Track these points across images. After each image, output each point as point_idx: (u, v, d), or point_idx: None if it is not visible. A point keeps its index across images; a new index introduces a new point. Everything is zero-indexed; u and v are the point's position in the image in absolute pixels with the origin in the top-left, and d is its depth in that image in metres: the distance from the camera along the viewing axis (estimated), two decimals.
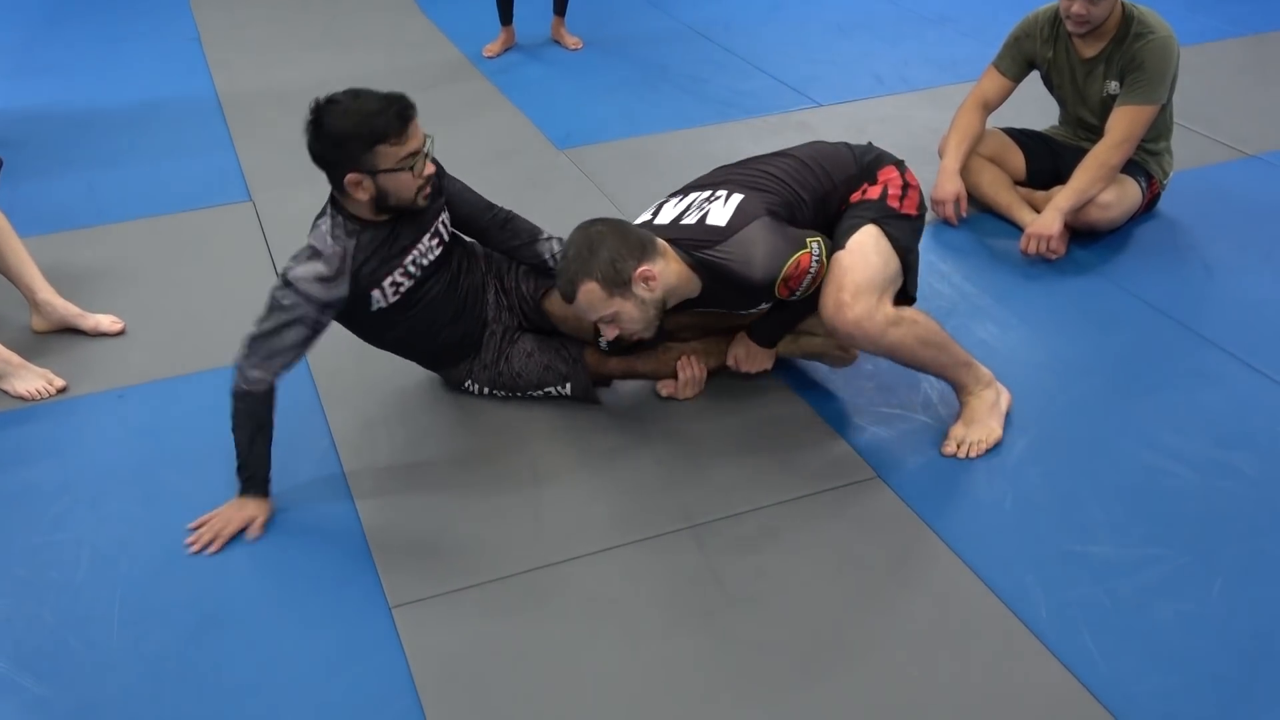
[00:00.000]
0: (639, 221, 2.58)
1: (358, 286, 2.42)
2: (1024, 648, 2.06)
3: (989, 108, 3.52)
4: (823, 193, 2.61)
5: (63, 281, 3.19)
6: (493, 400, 2.74)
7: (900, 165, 2.71)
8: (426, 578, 2.27)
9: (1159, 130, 3.35)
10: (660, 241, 2.43)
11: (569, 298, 2.39)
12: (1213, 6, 5.41)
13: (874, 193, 2.63)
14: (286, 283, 2.34)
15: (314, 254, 2.37)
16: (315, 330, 2.38)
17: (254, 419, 2.36)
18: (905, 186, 2.66)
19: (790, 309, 2.59)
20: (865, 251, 2.51)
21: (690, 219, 2.50)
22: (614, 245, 2.35)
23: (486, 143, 4.26)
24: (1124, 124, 3.22)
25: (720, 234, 2.43)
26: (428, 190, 2.42)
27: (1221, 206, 3.59)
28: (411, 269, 2.49)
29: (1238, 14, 5.33)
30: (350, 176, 2.31)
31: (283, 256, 3.51)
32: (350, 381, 2.87)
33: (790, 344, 2.75)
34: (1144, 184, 3.39)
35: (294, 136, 4.38)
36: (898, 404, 2.72)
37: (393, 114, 2.30)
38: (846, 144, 2.75)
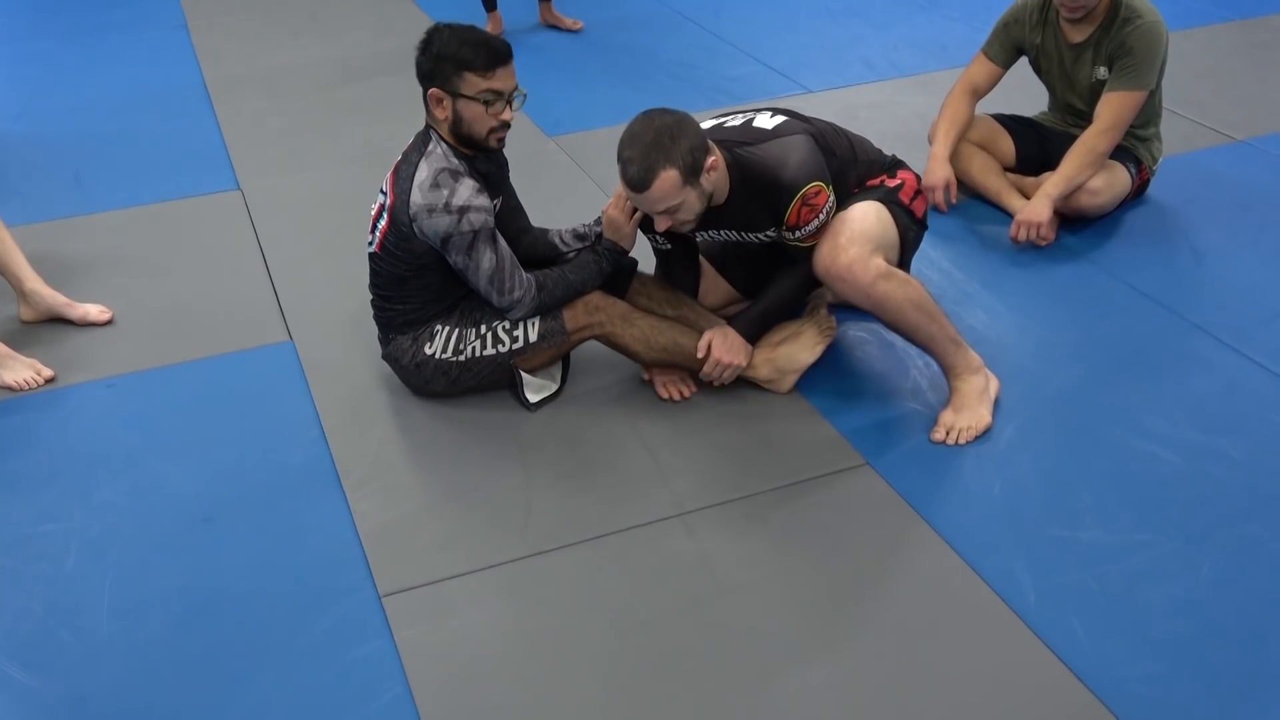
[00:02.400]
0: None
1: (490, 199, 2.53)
2: (1012, 633, 2.07)
3: (978, 94, 3.52)
4: (846, 161, 2.64)
5: (50, 271, 3.17)
6: (479, 389, 2.72)
7: (918, 176, 2.77)
8: (416, 566, 2.27)
9: (1148, 116, 3.36)
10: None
11: (642, 185, 2.35)
12: None
13: (890, 183, 2.69)
14: (463, 210, 2.43)
15: (455, 174, 2.46)
16: (499, 235, 2.52)
17: (567, 286, 2.59)
18: (918, 191, 2.72)
19: (776, 291, 2.63)
20: (866, 211, 2.58)
21: (735, 122, 2.57)
22: (692, 135, 2.36)
23: None
24: (1112, 109, 3.22)
25: (764, 135, 2.51)
26: (501, 135, 2.52)
27: (1210, 192, 3.59)
28: (497, 210, 2.60)
29: None
30: (434, 91, 2.46)
31: (271, 245, 3.53)
32: (339, 370, 2.86)
33: (772, 352, 2.70)
34: (1133, 170, 3.39)
35: (282, 124, 4.39)
36: (887, 391, 2.73)
37: (486, 50, 2.44)
38: (870, 142, 2.80)
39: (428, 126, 2.56)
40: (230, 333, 3.04)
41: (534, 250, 2.78)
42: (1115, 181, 3.33)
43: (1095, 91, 3.31)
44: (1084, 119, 3.35)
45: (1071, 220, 3.35)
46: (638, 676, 2.02)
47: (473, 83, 2.44)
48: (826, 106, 4.28)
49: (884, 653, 2.05)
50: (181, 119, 4.46)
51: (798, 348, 2.69)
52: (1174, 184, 3.58)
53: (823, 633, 2.10)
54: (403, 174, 2.53)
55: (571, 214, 3.50)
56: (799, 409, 2.67)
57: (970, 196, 3.56)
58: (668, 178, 2.34)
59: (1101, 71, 3.28)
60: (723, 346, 2.61)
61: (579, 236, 2.81)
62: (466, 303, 2.66)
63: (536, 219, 2.81)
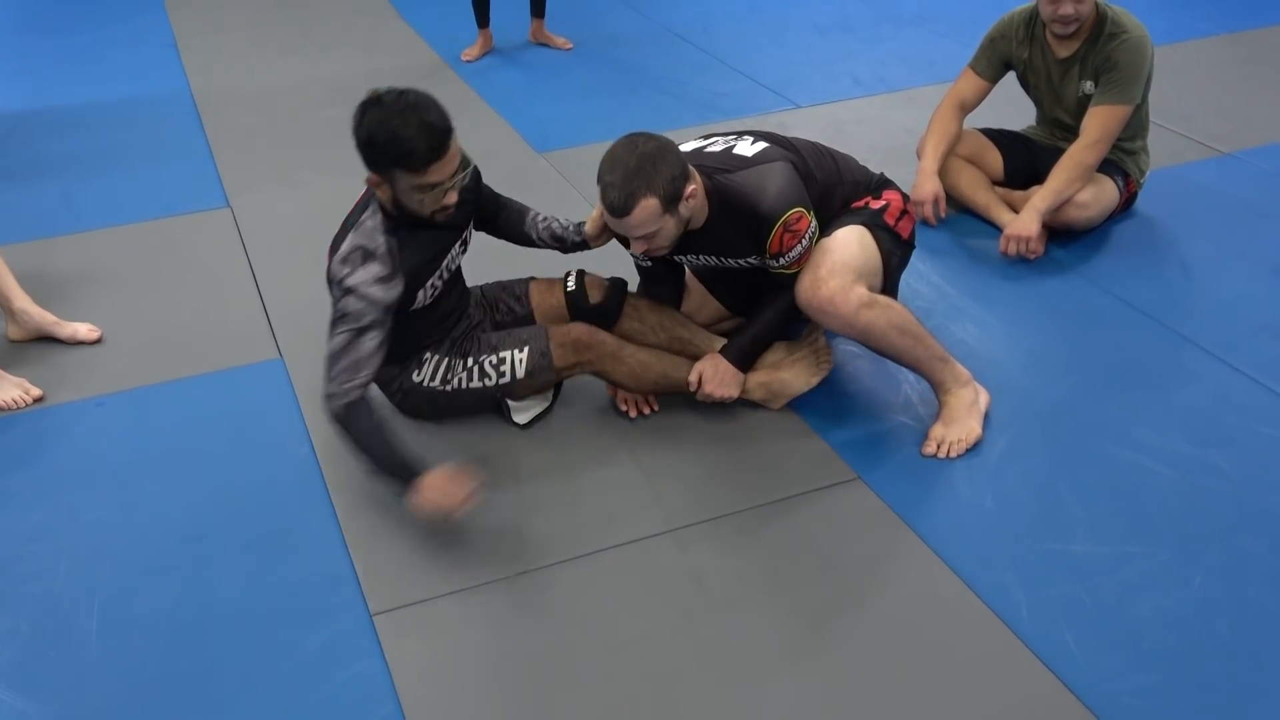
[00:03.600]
0: None
1: (409, 285, 2.40)
2: (1004, 646, 2.07)
3: (966, 108, 3.53)
4: (830, 184, 2.65)
5: (39, 289, 3.16)
6: (467, 415, 2.71)
7: (904, 195, 2.77)
8: (407, 584, 2.26)
9: (1135, 129, 3.37)
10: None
11: (622, 211, 2.33)
12: (1187, 5, 5.45)
13: (875, 205, 2.69)
14: (348, 290, 2.31)
15: (367, 255, 2.34)
16: (384, 330, 2.35)
17: (373, 428, 2.31)
18: (904, 211, 2.72)
19: (766, 317, 2.61)
20: (847, 239, 2.57)
21: (715, 149, 2.56)
22: (673, 162, 2.35)
23: (465, 146, 4.22)
24: (1099, 124, 3.23)
25: (744, 162, 2.49)
26: (448, 213, 2.39)
27: (1198, 205, 3.61)
28: (444, 273, 2.51)
29: (1212, 13, 5.36)
30: (371, 176, 2.33)
31: (261, 262, 3.53)
32: None
33: (767, 376, 2.68)
34: (1121, 183, 3.40)
35: (272, 142, 4.40)
36: (878, 405, 2.73)
37: (423, 147, 2.24)
38: (856, 160, 2.80)
39: (369, 193, 2.43)
40: (220, 351, 3.03)
41: (507, 226, 2.77)
42: (1103, 195, 3.35)
43: (1082, 106, 3.33)
44: (1071, 133, 3.36)
45: (1060, 234, 3.37)
46: (630, 693, 2.01)
47: (407, 180, 2.28)
48: (815, 121, 4.30)
49: (877, 667, 2.05)
50: (171, 136, 4.46)
51: (791, 376, 2.68)
52: (1162, 197, 3.59)
53: (815, 648, 2.09)
54: (337, 239, 2.45)
55: None
56: (790, 424, 2.67)
57: (959, 211, 3.57)
58: (647, 205, 2.33)
59: (1088, 86, 3.30)
60: (714, 380, 2.60)
61: (555, 237, 2.74)
62: (459, 334, 2.65)
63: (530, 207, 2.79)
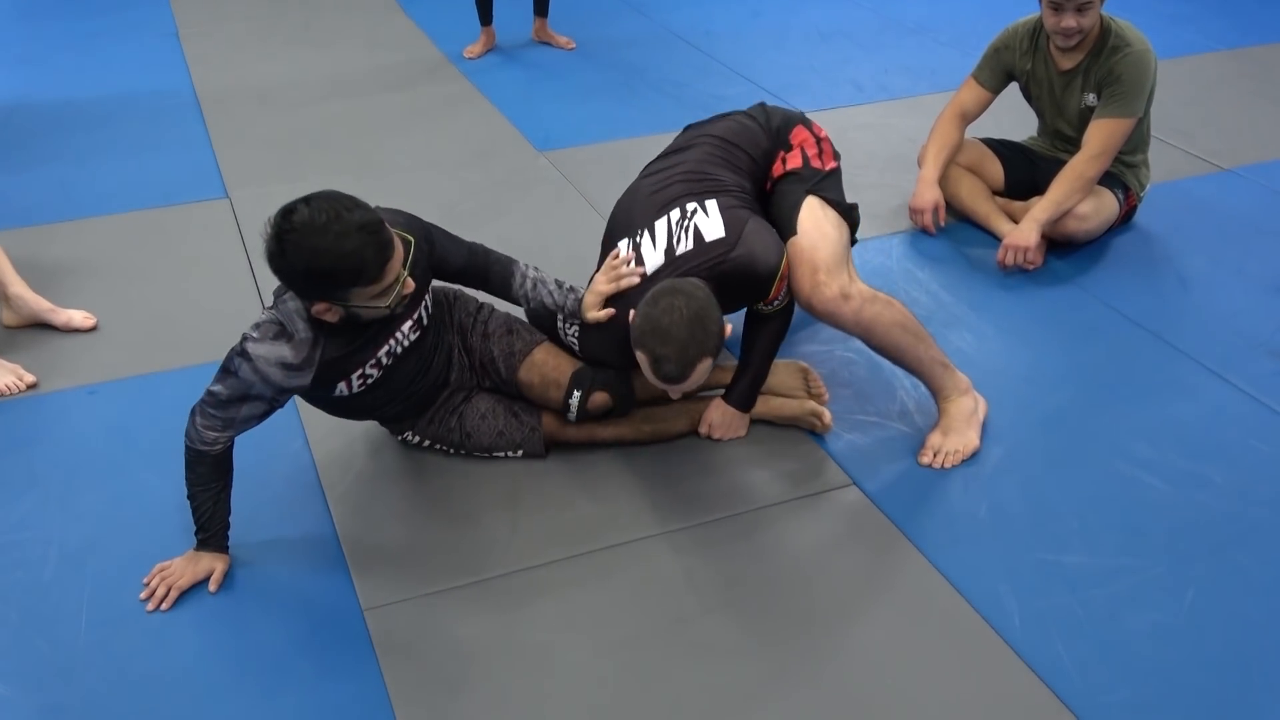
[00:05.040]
0: (634, 266, 2.47)
1: (322, 378, 2.19)
2: (996, 656, 2.07)
3: (968, 118, 3.54)
4: (751, 172, 2.64)
5: (35, 276, 3.15)
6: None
7: (805, 120, 2.74)
8: (399, 581, 2.25)
9: (1136, 143, 3.38)
10: None
11: (680, 379, 2.25)
12: (1190, 20, 5.46)
13: (794, 160, 2.66)
14: (245, 354, 2.11)
15: (281, 333, 2.13)
16: (272, 407, 2.20)
17: (217, 479, 2.21)
18: (819, 141, 2.69)
19: (760, 355, 2.57)
20: (820, 227, 2.55)
21: (685, 246, 2.44)
22: (715, 315, 2.27)
23: (465, 143, 4.24)
24: (1101, 136, 3.24)
25: (728, 243, 2.42)
26: (405, 300, 2.19)
27: (1197, 219, 3.61)
28: (385, 360, 2.29)
29: (1214, 28, 5.37)
30: (318, 306, 2.09)
31: (259, 254, 3.49)
32: None
33: (764, 407, 2.65)
34: (1121, 196, 3.41)
35: (272, 134, 4.38)
36: (874, 412, 2.72)
37: (371, 254, 2.02)
38: (747, 114, 2.76)
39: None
40: (215, 341, 2.98)
41: (494, 279, 2.51)
42: (1103, 207, 3.35)
43: (1084, 118, 3.33)
44: (1073, 145, 3.37)
45: (1059, 245, 3.37)
46: (620, 694, 2.01)
47: (364, 293, 2.07)
48: None
49: (868, 675, 2.04)
50: (171, 126, 4.45)
51: (790, 411, 2.65)
52: (1161, 211, 3.60)
53: (807, 654, 2.09)
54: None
55: (560, 227, 3.51)
56: (786, 430, 2.67)
57: (958, 220, 3.57)
58: (703, 367, 2.27)
59: (1090, 98, 3.30)
60: (722, 427, 2.60)
61: (548, 308, 2.52)
62: (436, 410, 2.52)
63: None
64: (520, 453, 2.54)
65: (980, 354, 2.94)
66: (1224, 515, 2.40)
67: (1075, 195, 3.26)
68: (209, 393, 2.14)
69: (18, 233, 3.52)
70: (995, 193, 3.56)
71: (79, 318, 3.07)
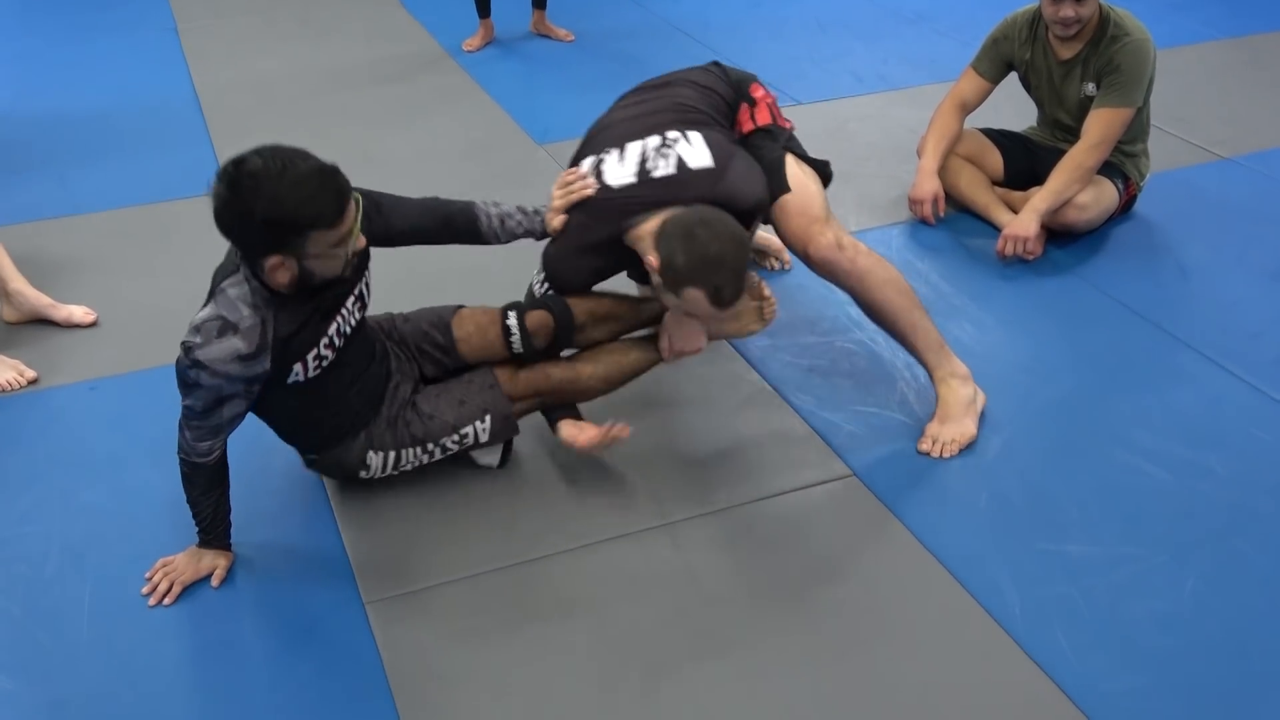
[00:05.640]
0: (588, 178, 2.46)
1: (280, 361, 2.10)
2: (997, 645, 2.07)
3: (967, 108, 3.53)
4: (726, 117, 2.67)
5: (34, 272, 3.15)
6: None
7: (756, 79, 2.78)
8: (401, 574, 2.25)
9: (1135, 132, 3.37)
10: None
11: (736, 299, 2.28)
12: (1190, 9, 5.45)
13: (764, 116, 2.69)
14: (198, 364, 2.00)
15: (226, 328, 2.02)
16: (250, 398, 2.13)
17: (216, 486, 2.18)
18: (774, 100, 2.76)
19: None
20: (806, 186, 2.61)
21: (664, 169, 2.41)
22: (742, 230, 2.33)
23: (464, 136, 4.24)
24: (1100, 126, 3.23)
25: (715, 173, 2.43)
26: (354, 258, 2.14)
27: (1197, 209, 3.61)
28: (335, 339, 2.20)
29: (1214, 17, 5.36)
30: (272, 260, 1.99)
31: None
32: None
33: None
34: (1121, 186, 3.41)
35: (270, 128, 4.37)
36: (874, 402, 2.73)
37: (330, 195, 1.99)
38: (704, 69, 2.77)
39: (236, 262, 2.11)
40: None
41: (460, 226, 2.45)
42: (1103, 197, 3.35)
43: (1084, 108, 3.32)
44: (1072, 135, 3.36)
45: (1059, 235, 3.37)
46: (622, 686, 2.01)
47: (322, 240, 2.00)
48: (815, 118, 4.29)
49: (869, 664, 2.05)
50: (169, 121, 4.45)
51: (745, 322, 2.56)
52: (1161, 200, 3.60)
53: (807, 643, 2.09)
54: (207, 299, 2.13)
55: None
56: (786, 420, 2.67)
57: (958, 210, 3.57)
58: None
59: (1090, 88, 3.30)
60: (681, 339, 2.47)
61: (523, 234, 2.50)
62: (390, 409, 2.37)
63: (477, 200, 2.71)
64: (487, 420, 2.38)
65: (980, 344, 2.94)
66: (1224, 504, 2.40)
67: (1075, 185, 3.25)
68: (185, 408, 2.08)
69: (17, 228, 3.52)
70: (995, 183, 3.56)
71: (79, 313, 3.07)
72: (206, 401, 2.05)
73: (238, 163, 1.96)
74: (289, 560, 2.30)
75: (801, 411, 2.69)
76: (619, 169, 2.45)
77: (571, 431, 2.43)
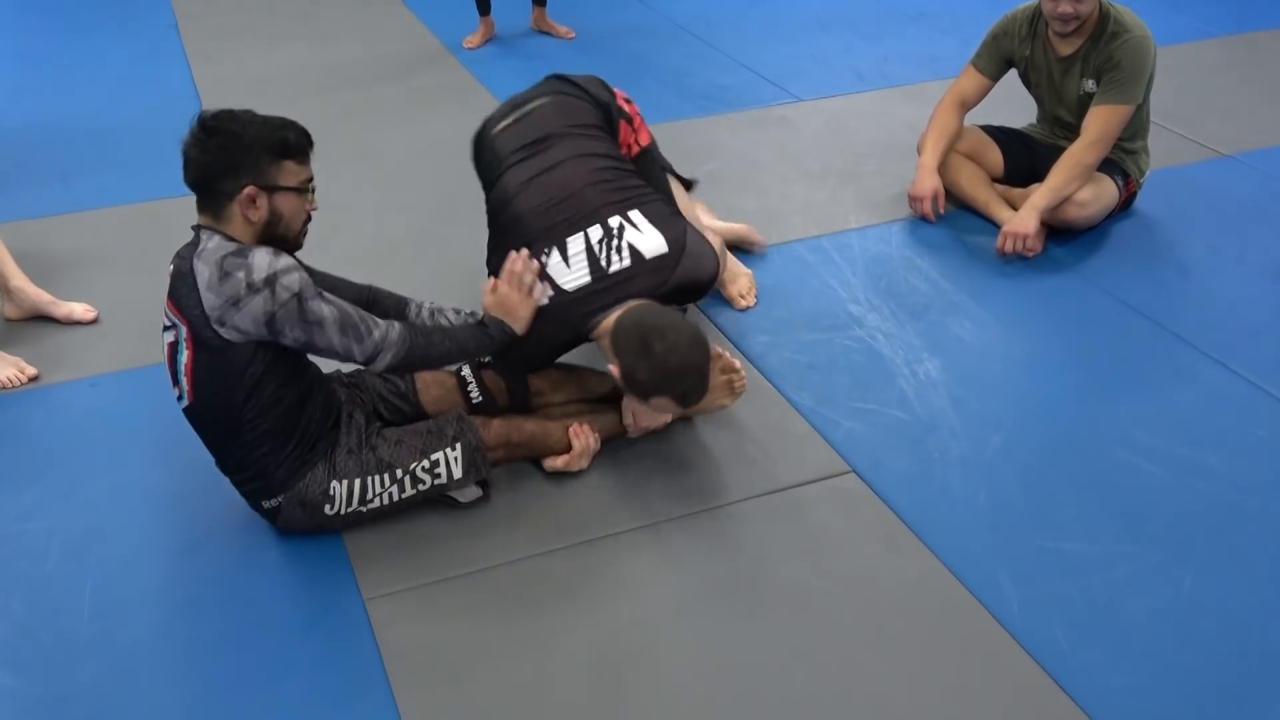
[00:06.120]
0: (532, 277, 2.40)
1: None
2: (995, 642, 2.08)
3: (967, 105, 3.53)
4: (613, 144, 2.66)
5: (35, 269, 3.16)
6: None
7: (609, 85, 2.81)
8: (400, 570, 2.26)
9: (1135, 129, 3.37)
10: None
11: (702, 395, 2.34)
12: (1189, 6, 5.45)
13: (645, 135, 2.75)
14: (269, 281, 2.03)
15: (238, 253, 2.06)
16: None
17: (434, 340, 2.25)
18: (633, 102, 2.80)
19: None
20: (695, 213, 2.76)
21: (620, 263, 2.39)
22: (695, 329, 2.33)
23: (465, 134, 4.21)
24: (1100, 123, 3.23)
25: (672, 257, 2.43)
26: (307, 229, 2.22)
27: (1197, 206, 3.61)
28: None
29: (1214, 14, 5.36)
30: (248, 190, 2.07)
31: None
32: None
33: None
34: (1121, 183, 3.41)
35: None
36: (873, 399, 2.73)
37: (300, 131, 2.15)
38: (557, 93, 2.73)
39: (198, 230, 2.14)
40: None
41: (376, 301, 2.52)
42: (1103, 194, 3.35)
43: (1083, 104, 3.33)
44: (1072, 131, 3.36)
45: (1059, 232, 3.37)
46: (620, 682, 2.02)
47: (294, 172, 2.13)
48: (816, 115, 4.30)
49: (868, 660, 2.05)
50: (170, 118, 4.36)
51: (715, 398, 2.55)
52: (1161, 197, 3.60)
53: (805, 640, 2.10)
54: (183, 293, 2.10)
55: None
56: (785, 417, 2.67)
57: (958, 207, 3.57)
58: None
59: (1089, 85, 3.30)
60: (645, 414, 2.46)
61: (442, 324, 2.50)
62: (349, 437, 2.28)
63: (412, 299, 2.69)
64: (459, 448, 2.30)
65: (980, 341, 2.94)
66: (1223, 502, 2.40)
67: (1074, 182, 3.26)
68: (338, 326, 2.11)
69: (18, 225, 3.53)
70: (994, 180, 3.56)
71: (80, 310, 3.08)
72: (321, 301, 2.10)
73: (205, 113, 2.10)
74: (289, 556, 2.30)
75: (800, 408, 2.70)
76: (567, 271, 2.40)
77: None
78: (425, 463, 2.28)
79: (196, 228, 2.15)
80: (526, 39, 5.23)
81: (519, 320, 2.38)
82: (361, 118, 4.38)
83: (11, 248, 3.08)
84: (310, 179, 2.18)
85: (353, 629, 2.13)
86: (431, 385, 2.49)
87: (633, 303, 2.36)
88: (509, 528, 2.36)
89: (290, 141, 2.12)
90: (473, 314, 2.49)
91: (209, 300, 2.05)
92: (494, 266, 2.49)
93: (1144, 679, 2.00)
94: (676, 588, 2.21)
